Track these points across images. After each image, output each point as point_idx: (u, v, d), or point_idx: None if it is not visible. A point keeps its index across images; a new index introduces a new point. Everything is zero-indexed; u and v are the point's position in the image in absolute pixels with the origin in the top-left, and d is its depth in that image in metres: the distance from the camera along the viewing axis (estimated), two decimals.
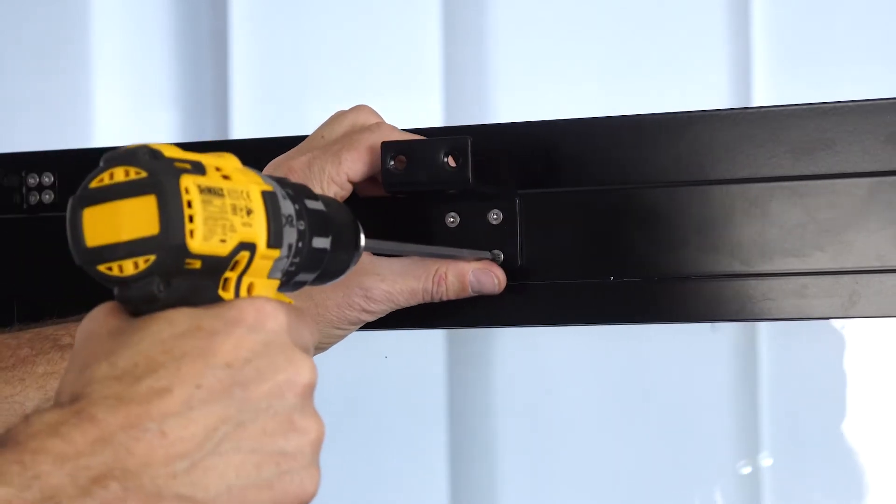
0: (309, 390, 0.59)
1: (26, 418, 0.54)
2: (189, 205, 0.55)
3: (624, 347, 1.30)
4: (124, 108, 1.44)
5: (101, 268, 0.56)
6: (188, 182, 0.55)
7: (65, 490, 0.52)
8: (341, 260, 0.67)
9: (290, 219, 0.61)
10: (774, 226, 0.90)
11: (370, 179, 0.94)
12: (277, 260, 0.60)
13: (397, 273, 0.89)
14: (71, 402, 0.55)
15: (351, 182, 0.89)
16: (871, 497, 1.25)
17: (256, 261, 0.59)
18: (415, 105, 1.36)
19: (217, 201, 0.56)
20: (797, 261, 0.89)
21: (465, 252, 0.91)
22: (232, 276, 0.58)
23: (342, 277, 0.68)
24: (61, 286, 1.03)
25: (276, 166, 0.90)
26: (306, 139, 0.93)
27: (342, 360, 1.34)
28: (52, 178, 1.02)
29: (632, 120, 0.92)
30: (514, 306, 0.94)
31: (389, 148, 0.89)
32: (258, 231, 0.58)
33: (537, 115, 0.96)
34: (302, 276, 0.64)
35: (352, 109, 0.93)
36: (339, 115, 0.93)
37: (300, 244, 0.62)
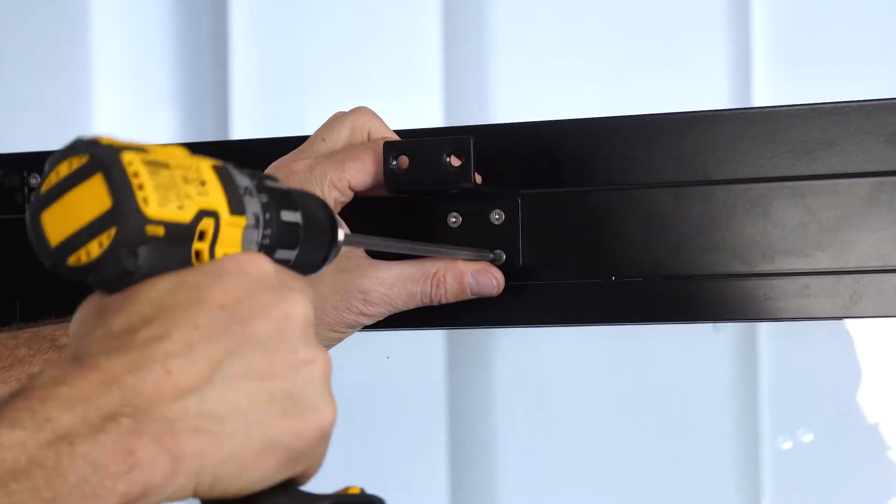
0: (306, 322, 0.59)
1: (31, 376, 0.54)
2: (136, 175, 0.55)
3: (624, 347, 1.30)
4: (124, 108, 1.44)
5: (71, 261, 0.56)
6: (130, 156, 0.56)
7: (77, 429, 0.52)
8: (319, 233, 0.66)
9: (248, 190, 0.60)
10: (776, 226, 0.90)
11: (371, 187, 0.94)
12: (246, 229, 0.60)
13: (395, 276, 0.89)
14: (71, 360, 0.55)
15: (353, 190, 0.89)
16: (871, 497, 1.25)
17: (224, 228, 0.59)
18: (415, 105, 1.36)
19: (165, 172, 0.56)
20: (798, 261, 0.89)
21: (461, 252, 0.91)
22: (203, 246, 0.58)
23: (327, 266, 0.67)
24: (61, 286, 1.02)
25: (276, 168, 0.90)
26: (306, 142, 0.93)
27: (342, 360, 1.33)
28: None
29: (633, 120, 0.92)
30: (515, 306, 0.94)
31: (392, 148, 0.89)
32: (216, 198, 0.58)
33: (538, 115, 0.96)
34: (281, 254, 0.63)
35: (352, 112, 0.93)
36: (339, 117, 0.92)
37: (267, 215, 0.61)
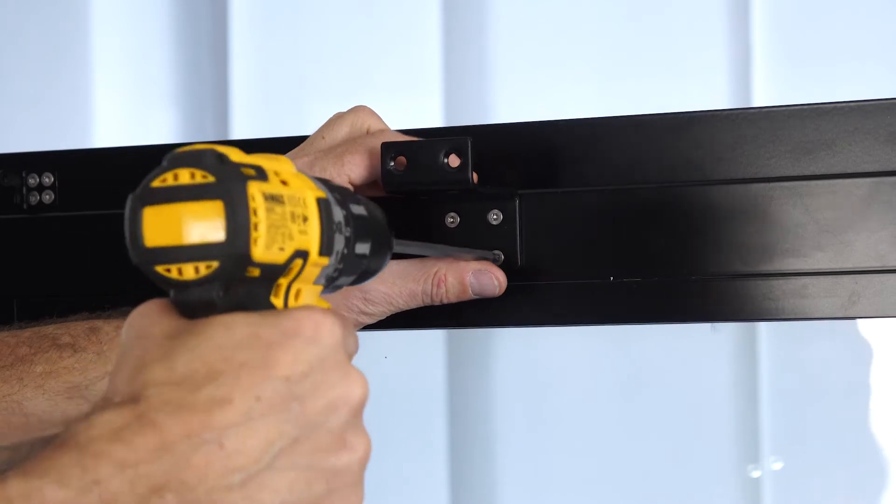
0: (360, 406, 0.58)
1: (87, 418, 0.53)
2: (255, 213, 0.54)
3: (624, 347, 1.30)
4: (124, 108, 1.44)
5: (160, 269, 0.55)
6: (254, 189, 0.55)
7: (123, 497, 0.52)
8: (377, 262, 0.67)
9: (339, 226, 0.60)
10: (775, 226, 0.90)
11: (370, 181, 0.94)
12: (325, 267, 0.60)
13: (396, 275, 0.89)
14: (128, 402, 0.54)
15: (352, 184, 0.89)
16: (871, 496, 1.25)
17: (308, 268, 0.58)
18: (415, 105, 1.36)
19: (279, 209, 0.56)
20: (797, 261, 0.89)
21: (477, 252, 0.91)
22: (283, 282, 0.58)
23: (374, 279, 0.67)
24: (61, 287, 1.03)
25: None
26: (306, 140, 0.93)
27: None
28: (53, 179, 1.02)
29: (632, 120, 0.92)
30: (514, 306, 0.94)
31: (389, 148, 0.89)
32: (312, 239, 0.58)
33: (537, 115, 0.96)
34: (341, 281, 0.63)
35: (351, 110, 0.93)
36: (339, 117, 0.93)
37: (346, 251, 0.61)
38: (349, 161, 0.88)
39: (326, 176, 0.88)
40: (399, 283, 0.89)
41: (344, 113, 0.93)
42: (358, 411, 0.58)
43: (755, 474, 1.27)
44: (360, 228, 0.63)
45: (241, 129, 1.40)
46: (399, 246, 0.78)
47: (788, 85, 1.27)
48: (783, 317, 0.90)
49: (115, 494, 0.51)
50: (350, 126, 0.92)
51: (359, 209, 0.64)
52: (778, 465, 1.27)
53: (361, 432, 0.58)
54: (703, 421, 1.29)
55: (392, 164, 0.88)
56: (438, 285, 0.89)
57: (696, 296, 0.91)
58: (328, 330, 0.57)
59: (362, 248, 0.63)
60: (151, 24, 1.44)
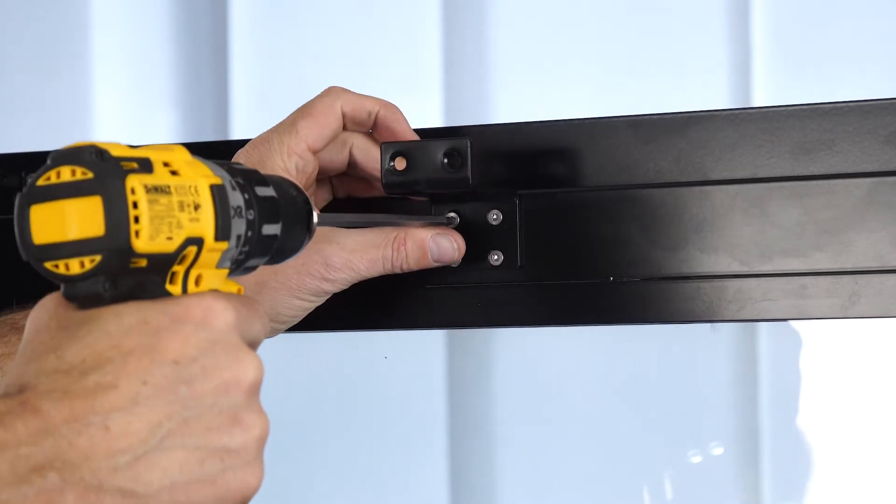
0: (255, 387, 0.59)
1: None
2: (135, 205, 0.56)
3: (624, 348, 1.30)
4: (124, 108, 1.44)
5: (48, 265, 0.57)
6: (134, 182, 0.56)
7: (2, 476, 0.53)
8: (293, 241, 0.67)
9: (238, 210, 0.61)
10: (774, 226, 0.90)
11: (365, 181, 0.94)
12: (226, 251, 0.60)
13: (357, 241, 0.88)
14: (18, 392, 0.55)
15: (312, 151, 0.88)
16: (870, 496, 1.25)
17: (204, 254, 0.59)
18: (415, 105, 1.36)
19: (164, 199, 0.57)
20: (797, 261, 0.89)
21: (425, 218, 0.91)
22: (179, 269, 0.59)
23: (295, 256, 0.68)
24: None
25: (238, 155, 0.90)
26: None
27: (342, 360, 1.34)
28: None
29: (631, 120, 0.92)
30: (514, 306, 0.94)
31: (389, 148, 0.89)
32: (206, 226, 0.59)
33: (537, 115, 0.96)
34: (252, 262, 0.64)
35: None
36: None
37: (249, 233, 0.62)
38: (302, 126, 0.87)
39: (284, 148, 0.87)
40: (360, 249, 0.88)
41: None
42: (252, 392, 0.59)
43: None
44: (266, 210, 0.63)
45: (241, 129, 1.40)
46: (334, 219, 0.78)
47: (788, 85, 1.27)
48: (783, 317, 0.90)
49: None
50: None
51: (265, 191, 0.64)
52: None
53: (257, 412, 0.59)
54: (702, 421, 1.29)
55: (391, 163, 0.89)
56: (398, 249, 0.88)
57: (696, 296, 0.91)
58: (219, 314, 0.58)
59: (271, 229, 0.64)
60: (151, 24, 1.44)
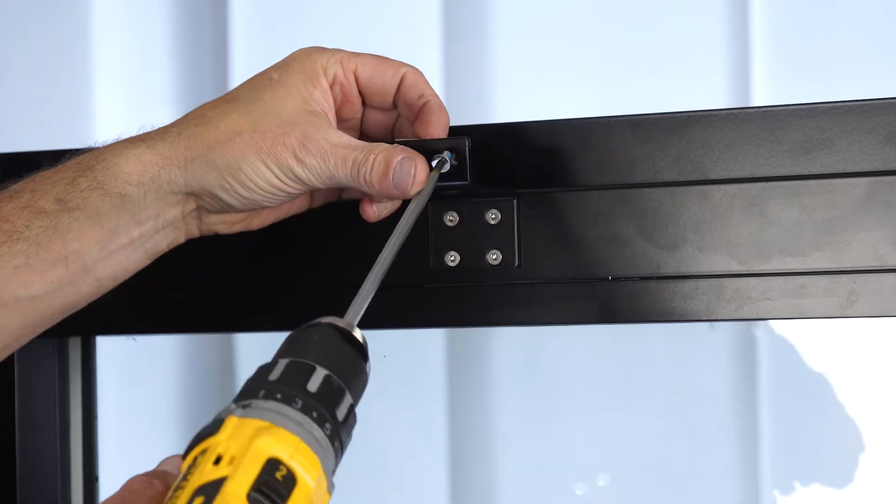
0: None
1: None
2: None
3: (623, 347, 1.30)
4: (124, 108, 1.44)
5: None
6: None
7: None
8: (355, 390, 0.71)
9: (322, 442, 0.66)
10: (773, 225, 0.90)
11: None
12: (324, 465, 0.65)
13: (342, 140, 0.85)
14: None
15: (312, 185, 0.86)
16: (870, 496, 1.26)
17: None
18: None
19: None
20: (795, 260, 0.89)
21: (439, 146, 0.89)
22: None
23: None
24: None
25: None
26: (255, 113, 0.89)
27: None
28: None
29: (631, 120, 0.92)
30: (514, 306, 0.94)
31: None
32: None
33: (537, 114, 0.96)
34: (344, 431, 0.68)
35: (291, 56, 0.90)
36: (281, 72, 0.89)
37: (331, 430, 0.66)
38: (304, 157, 0.85)
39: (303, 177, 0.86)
40: (339, 146, 0.85)
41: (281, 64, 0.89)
42: None
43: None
44: (348, 425, 0.69)
45: None
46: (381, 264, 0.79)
47: (787, 84, 1.27)
48: (781, 316, 0.90)
49: None
50: (301, 73, 0.88)
51: (342, 411, 0.68)
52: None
53: None
54: (702, 420, 1.29)
55: None
56: (367, 158, 0.85)
57: (695, 295, 0.91)
58: None
59: (341, 411, 0.68)
60: (151, 24, 1.44)
